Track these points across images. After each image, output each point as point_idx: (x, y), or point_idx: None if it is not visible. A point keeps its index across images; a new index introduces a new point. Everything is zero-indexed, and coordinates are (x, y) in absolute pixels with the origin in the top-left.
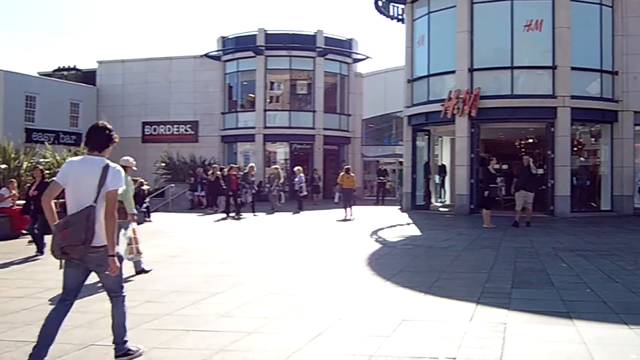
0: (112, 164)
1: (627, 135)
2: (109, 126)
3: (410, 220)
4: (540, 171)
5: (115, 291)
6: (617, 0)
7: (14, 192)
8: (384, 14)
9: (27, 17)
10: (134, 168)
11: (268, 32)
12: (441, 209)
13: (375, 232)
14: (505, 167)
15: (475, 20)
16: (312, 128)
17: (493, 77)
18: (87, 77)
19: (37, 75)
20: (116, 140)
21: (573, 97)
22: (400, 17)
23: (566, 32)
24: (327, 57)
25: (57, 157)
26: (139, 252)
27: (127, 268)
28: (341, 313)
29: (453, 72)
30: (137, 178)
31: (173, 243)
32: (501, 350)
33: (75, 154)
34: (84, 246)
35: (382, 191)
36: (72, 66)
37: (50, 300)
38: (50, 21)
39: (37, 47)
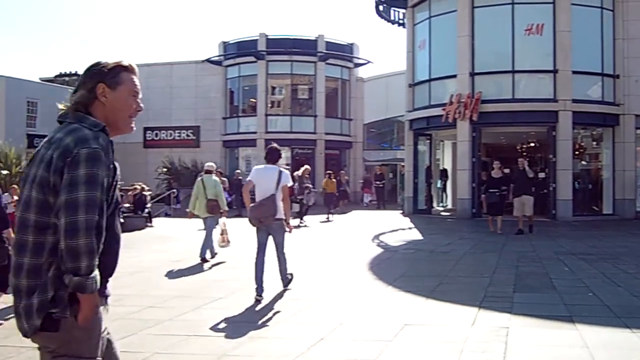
0: (283, 170)
1: (629, 139)
2: (278, 147)
3: (412, 225)
4: (542, 175)
5: (281, 245)
6: (618, 4)
7: (16, 197)
8: (385, 19)
9: (29, 23)
10: (219, 171)
11: (269, 37)
12: (443, 214)
13: (377, 237)
14: (507, 170)
15: (476, 25)
16: (314, 133)
17: (494, 81)
18: None
19: (39, 81)
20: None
21: (574, 100)
22: (401, 21)
23: (567, 35)
24: (328, 61)
25: None
26: (228, 242)
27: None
28: (343, 318)
29: (454, 76)
30: (139, 183)
31: (175, 248)
32: (503, 355)
33: None
34: (272, 217)
35: (382, 196)
36: (73, 72)
37: None
38: (51, 27)
39: (39, 53)
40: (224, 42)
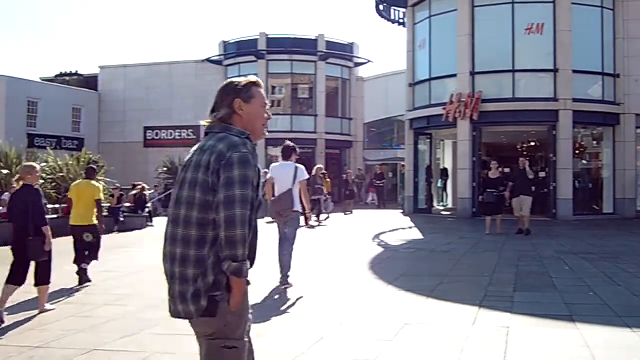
0: (299, 166)
1: (629, 138)
2: (292, 144)
3: (412, 224)
4: (542, 174)
5: (293, 238)
6: (619, 3)
7: None
8: (385, 18)
9: (29, 23)
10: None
11: (269, 36)
12: (443, 213)
13: (377, 236)
14: (507, 170)
15: (476, 24)
16: (314, 132)
17: (495, 81)
18: (89, 82)
19: (39, 80)
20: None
21: (575, 100)
22: (401, 21)
23: (568, 35)
24: (328, 61)
25: (60, 163)
26: None
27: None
28: (344, 317)
29: (455, 75)
30: (139, 183)
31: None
32: (504, 354)
33: (77, 159)
34: (290, 209)
35: (383, 195)
36: (74, 71)
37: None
38: (52, 27)
39: (39, 52)
40: (224, 42)
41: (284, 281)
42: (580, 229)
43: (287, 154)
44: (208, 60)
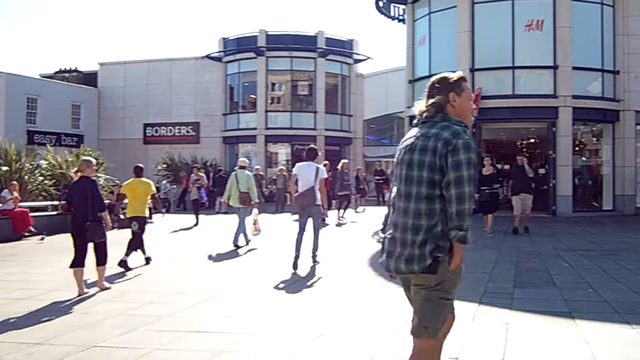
0: (320, 166)
1: (629, 135)
2: (316, 148)
3: None
4: (542, 171)
5: (318, 229)
6: (618, 0)
7: (15, 194)
8: (385, 15)
9: (28, 19)
10: (256, 166)
11: (269, 33)
12: None
13: (377, 233)
14: (507, 167)
15: (476, 21)
16: (314, 129)
17: (494, 77)
18: (89, 78)
19: (39, 77)
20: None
21: (574, 96)
22: (401, 17)
23: (567, 31)
24: (328, 57)
25: (59, 159)
26: (260, 230)
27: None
28: (343, 313)
29: (454, 72)
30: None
31: (174, 244)
32: (503, 351)
33: (77, 156)
34: (312, 204)
35: (382, 192)
36: (73, 68)
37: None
38: (51, 23)
39: (38, 49)
40: (224, 38)
41: (314, 260)
42: (579, 226)
43: (310, 155)
44: (208, 56)
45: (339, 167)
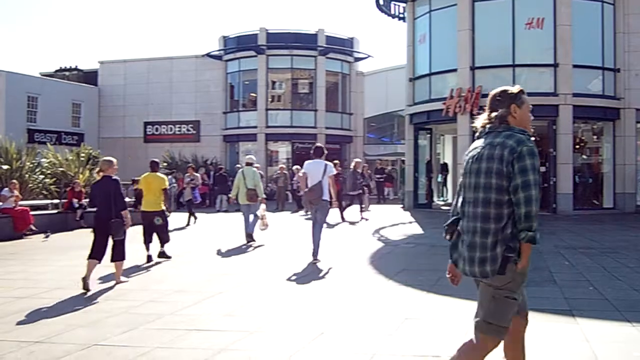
0: (328, 163)
1: (629, 133)
2: (322, 145)
3: (412, 219)
4: (542, 169)
5: (322, 222)
6: None
7: (16, 192)
8: (385, 13)
9: (28, 18)
10: (256, 165)
11: (269, 31)
12: (443, 208)
13: (377, 231)
14: None
15: (476, 19)
16: (314, 127)
17: (495, 75)
18: (89, 77)
19: (39, 75)
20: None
21: (575, 94)
22: (401, 15)
23: (568, 29)
24: (328, 56)
25: (59, 158)
26: (267, 225)
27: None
28: (344, 311)
29: (455, 70)
30: (140, 178)
31: (175, 242)
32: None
33: (77, 154)
34: (319, 198)
35: (382, 190)
36: (73, 66)
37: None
38: (51, 22)
39: (39, 47)
40: (224, 37)
41: (315, 258)
42: (580, 224)
43: (317, 153)
44: (208, 55)
45: (351, 166)
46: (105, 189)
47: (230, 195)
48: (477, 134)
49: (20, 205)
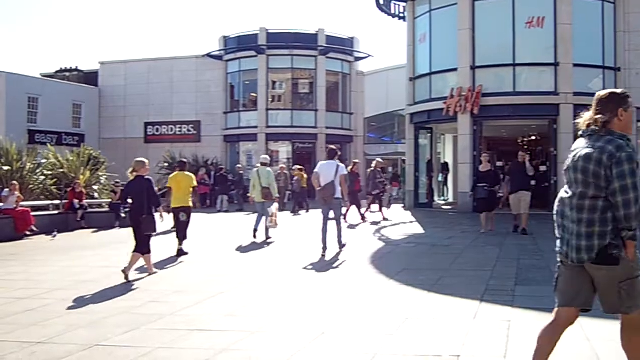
0: (340, 164)
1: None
2: (335, 148)
3: (413, 219)
4: (543, 168)
5: (339, 218)
6: None
7: (17, 193)
8: (386, 12)
9: (29, 19)
10: (268, 164)
11: (270, 31)
12: (444, 207)
13: (378, 230)
14: (506, 164)
15: (476, 18)
16: (315, 127)
17: (495, 75)
18: (89, 78)
19: (40, 76)
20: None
21: (575, 93)
22: (401, 15)
23: (568, 28)
24: (328, 55)
25: (60, 159)
26: (277, 224)
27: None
28: (345, 311)
29: (455, 69)
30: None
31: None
32: (505, 348)
33: (78, 155)
34: (332, 197)
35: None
36: (74, 67)
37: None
38: (51, 22)
39: (39, 48)
40: (225, 37)
41: (340, 246)
42: None
43: (330, 155)
44: (208, 55)
45: (372, 165)
46: (139, 188)
47: (248, 194)
48: (579, 132)
49: (21, 206)
